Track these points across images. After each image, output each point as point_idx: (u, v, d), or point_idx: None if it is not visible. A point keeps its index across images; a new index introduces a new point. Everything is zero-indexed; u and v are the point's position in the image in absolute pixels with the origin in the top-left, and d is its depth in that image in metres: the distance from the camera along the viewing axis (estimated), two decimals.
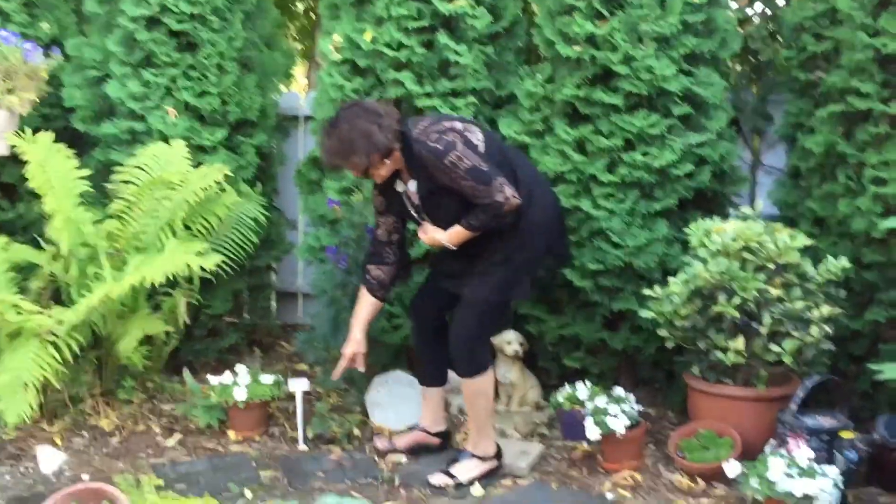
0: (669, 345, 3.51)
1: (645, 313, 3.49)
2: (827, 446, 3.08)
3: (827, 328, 3.28)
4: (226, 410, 3.76)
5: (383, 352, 4.08)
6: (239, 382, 3.73)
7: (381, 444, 3.61)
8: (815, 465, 2.87)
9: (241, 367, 3.84)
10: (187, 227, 4.00)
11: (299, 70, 8.92)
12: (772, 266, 3.33)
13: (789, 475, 2.83)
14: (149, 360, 3.94)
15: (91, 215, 3.85)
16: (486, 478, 3.34)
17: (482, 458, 3.36)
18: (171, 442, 3.69)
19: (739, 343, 3.31)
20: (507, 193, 3.09)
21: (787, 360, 3.28)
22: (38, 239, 3.93)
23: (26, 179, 3.75)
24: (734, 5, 4.19)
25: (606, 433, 3.35)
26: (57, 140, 3.91)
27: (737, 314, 3.30)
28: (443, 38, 3.88)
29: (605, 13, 3.68)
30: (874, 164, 3.45)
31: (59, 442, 3.62)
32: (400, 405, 3.88)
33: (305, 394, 3.75)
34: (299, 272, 5.18)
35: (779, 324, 3.31)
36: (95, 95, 4.36)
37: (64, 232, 3.70)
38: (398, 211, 3.39)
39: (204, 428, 3.76)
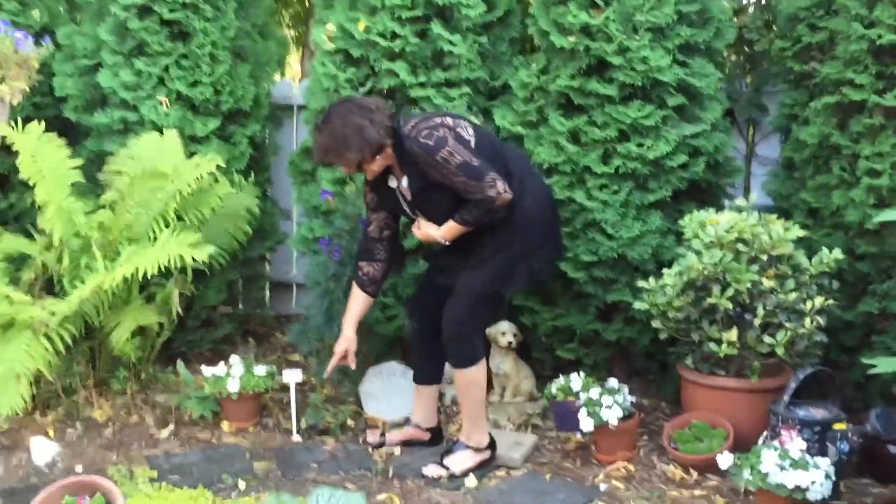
0: (663, 336, 3.51)
1: (639, 305, 3.50)
2: (819, 438, 3.09)
3: (820, 320, 3.29)
4: (219, 402, 3.76)
5: (377, 342, 4.08)
6: (232, 374, 3.73)
7: (372, 439, 3.61)
8: (808, 457, 2.88)
9: (234, 359, 3.84)
10: (180, 218, 3.98)
11: (293, 57, 8.88)
12: (765, 257, 3.33)
13: (781, 467, 2.83)
14: (142, 350, 3.93)
15: (83, 205, 3.83)
16: (480, 469, 3.35)
17: (476, 450, 3.37)
18: (165, 433, 3.68)
19: (732, 334, 3.32)
20: (498, 188, 3.09)
21: (780, 351, 3.28)
22: (31, 229, 3.91)
23: (18, 169, 3.73)
24: None
25: (600, 424, 3.36)
26: (48, 129, 3.87)
27: (730, 306, 3.30)
28: (437, 27, 3.87)
29: (600, 3, 3.66)
30: (868, 156, 3.45)
31: (52, 433, 3.61)
32: (394, 396, 3.89)
33: (299, 385, 3.75)
34: (293, 262, 5.17)
35: (772, 315, 3.31)
36: (87, 85, 4.33)
37: (56, 222, 3.68)
38: (390, 207, 3.39)
39: (197, 419, 3.76)
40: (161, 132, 4.09)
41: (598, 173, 3.71)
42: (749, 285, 3.29)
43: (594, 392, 3.43)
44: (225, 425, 3.74)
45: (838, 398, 3.30)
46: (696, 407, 3.46)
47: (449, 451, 3.38)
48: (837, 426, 3.10)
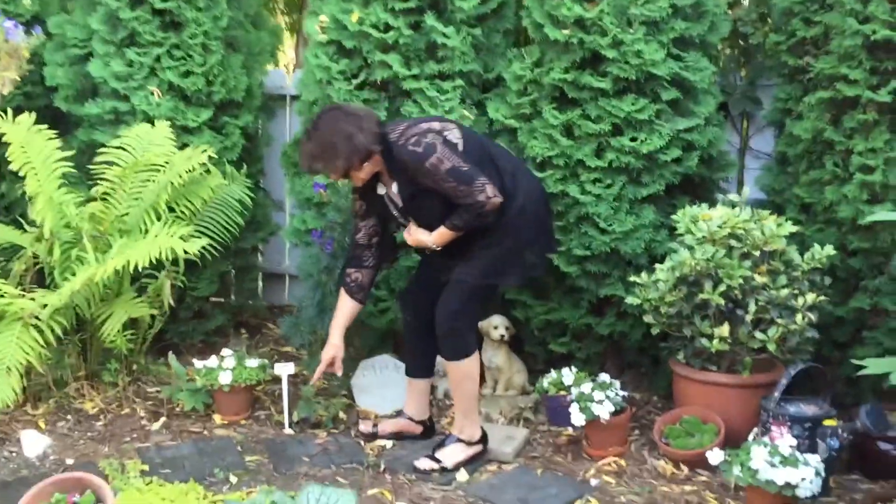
0: (655, 331, 3.52)
1: (631, 300, 3.50)
2: (809, 434, 3.10)
3: (811, 316, 3.29)
4: (211, 394, 3.76)
5: (369, 336, 4.08)
6: (224, 366, 3.72)
7: (364, 427, 3.61)
8: (798, 454, 2.89)
9: (226, 351, 3.83)
10: (171, 210, 3.97)
11: (288, 43, 8.83)
12: (757, 253, 3.34)
13: (771, 464, 2.84)
14: (133, 342, 3.92)
15: (74, 197, 3.82)
16: (472, 463, 3.35)
17: (468, 443, 3.37)
18: (156, 426, 3.68)
19: (724, 330, 3.32)
20: (488, 192, 3.10)
21: (772, 347, 3.29)
22: (21, 220, 3.89)
23: (8, 160, 3.71)
24: None
25: (591, 419, 3.36)
26: (39, 119, 3.86)
27: (722, 301, 3.31)
28: (430, 19, 3.84)
29: None
30: (861, 152, 3.45)
31: (43, 426, 3.61)
32: (386, 389, 3.89)
33: (291, 377, 3.75)
34: (286, 254, 5.16)
35: (764, 311, 3.31)
36: (78, 74, 4.29)
37: (46, 214, 3.66)
38: (379, 214, 3.40)
39: (189, 411, 3.75)
40: (152, 123, 4.07)
41: (592, 167, 3.70)
42: (741, 281, 3.29)
43: (586, 387, 3.43)
44: (217, 418, 3.74)
45: (829, 394, 3.31)
46: (687, 402, 3.47)
47: (441, 445, 3.39)
48: (828, 422, 3.11)
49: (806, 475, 2.81)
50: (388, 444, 3.54)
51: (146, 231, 3.78)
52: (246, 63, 4.46)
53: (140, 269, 3.61)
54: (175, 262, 3.89)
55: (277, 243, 5.02)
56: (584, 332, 3.90)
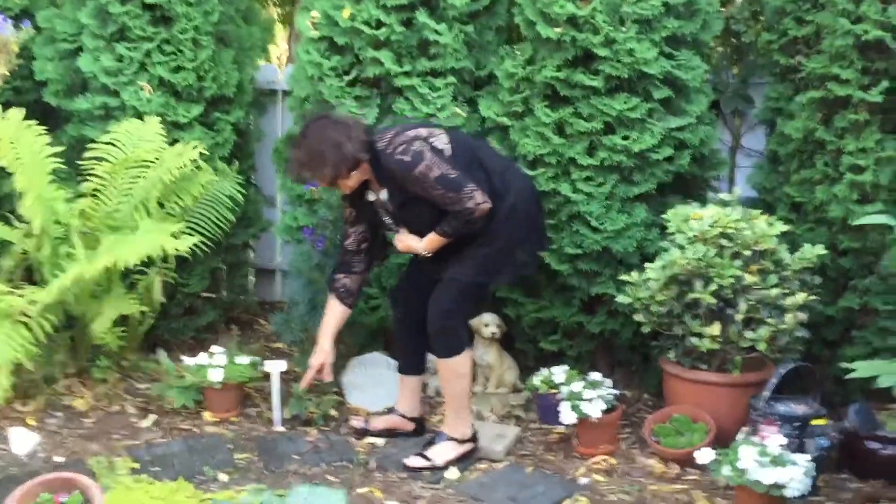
0: (646, 330, 3.52)
1: (622, 298, 3.50)
2: (799, 433, 3.11)
3: (801, 315, 3.30)
4: (202, 391, 3.74)
5: (360, 333, 4.08)
6: (215, 363, 3.71)
7: (356, 423, 3.62)
8: (787, 453, 2.90)
9: (217, 348, 3.83)
10: (161, 206, 3.95)
11: (280, 35, 8.78)
12: (748, 253, 3.34)
13: (760, 463, 2.85)
14: (124, 339, 3.91)
15: (63, 193, 3.80)
16: (462, 461, 3.35)
17: (459, 441, 3.37)
18: (146, 423, 3.67)
19: (715, 329, 3.33)
20: (476, 199, 3.11)
21: (762, 346, 3.30)
22: (10, 216, 3.87)
23: None
24: None
25: (581, 418, 3.37)
26: (29, 114, 3.83)
27: (713, 301, 3.31)
28: (422, 16, 3.83)
29: None
30: (852, 152, 3.45)
31: (32, 423, 3.59)
32: (377, 387, 3.89)
33: (282, 374, 3.74)
34: (277, 249, 5.14)
35: (754, 310, 3.32)
36: (68, 69, 4.26)
37: (36, 210, 3.64)
38: (369, 220, 3.41)
39: (179, 408, 3.74)
40: (143, 118, 4.05)
41: (584, 165, 3.70)
42: (732, 280, 3.30)
43: (576, 385, 3.44)
44: (207, 415, 3.73)
45: (819, 393, 3.32)
46: (678, 400, 3.48)
47: (431, 443, 3.39)
48: (817, 422, 3.13)
49: (794, 475, 2.82)
50: (379, 441, 3.54)
51: (136, 227, 3.76)
52: (237, 58, 4.43)
53: (131, 266, 3.60)
54: (165, 258, 3.88)
55: (269, 239, 5.00)
56: (575, 330, 3.90)
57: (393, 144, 3.17)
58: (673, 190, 3.83)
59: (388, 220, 3.36)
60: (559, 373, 3.65)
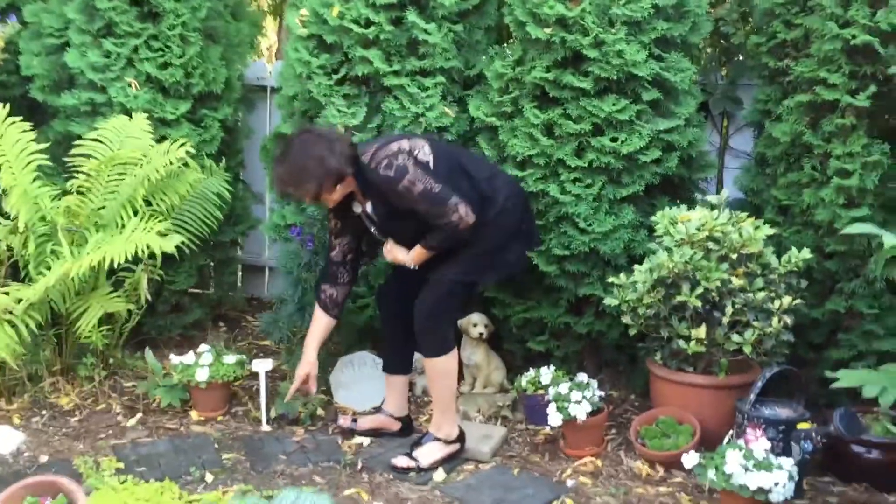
0: (632, 332, 3.53)
1: (609, 300, 3.51)
2: (783, 437, 3.12)
3: (787, 319, 3.32)
4: (188, 390, 3.74)
5: (348, 332, 4.07)
6: (201, 362, 3.70)
7: (343, 422, 3.62)
8: (771, 458, 2.91)
9: (203, 347, 3.82)
10: (148, 203, 3.93)
11: (271, 26, 8.73)
12: (735, 256, 3.35)
13: (745, 468, 2.86)
14: (110, 336, 3.89)
15: (49, 189, 3.78)
16: (449, 462, 3.36)
17: (445, 442, 3.38)
18: (132, 422, 3.66)
19: (701, 332, 3.34)
20: (461, 213, 3.13)
21: (747, 349, 3.31)
22: None
23: None
24: None
25: (568, 419, 3.37)
26: (15, 109, 3.81)
27: (699, 304, 3.32)
28: (411, 15, 3.82)
29: None
30: (839, 156, 3.46)
31: (17, 421, 3.58)
32: (364, 386, 3.89)
33: (269, 373, 3.73)
34: (265, 246, 5.13)
35: (740, 313, 3.33)
36: (54, 64, 4.24)
37: (21, 207, 3.62)
38: (354, 231, 3.42)
39: (166, 407, 3.73)
40: (130, 115, 4.02)
41: (572, 167, 3.69)
42: (718, 283, 3.31)
43: (563, 387, 3.44)
44: (193, 414, 3.73)
45: (803, 396, 3.34)
46: (664, 402, 3.49)
47: (418, 443, 3.39)
48: (802, 425, 3.14)
49: (779, 480, 2.83)
50: (366, 441, 3.55)
51: (123, 226, 3.74)
52: (225, 54, 4.42)
53: (116, 265, 3.58)
54: (152, 255, 3.86)
55: (257, 235, 4.99)
56: (562, 330, 3.91)
57: (376, 159, 3.17)
58: (661, 192, 3.83)
59: (374, 230, 3.38)
60: (546, 373, 3.66)
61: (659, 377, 3.52)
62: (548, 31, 3.64)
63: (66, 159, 3.92)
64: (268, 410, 3.68)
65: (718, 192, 3.88)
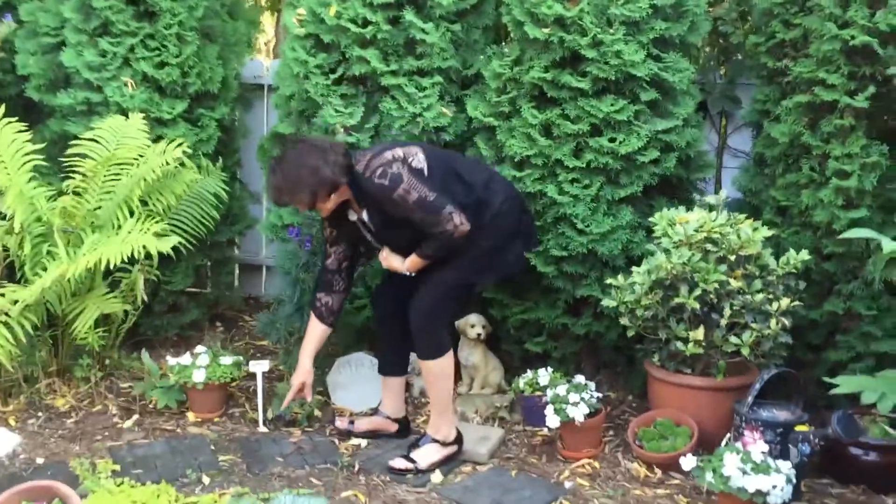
0: (630, 334, 3.52)
1: (607, 302, 3.50)
2: (781, 439, 3.12)
3: (785, 321, 3.31)
4: (185, 391, 3.72)
5: (345, 333, 4.06)
6: (198, 363, 3.69)
7: (340, 423, 3.61)
8: (770, 461, 2.90)
9: (200, 348, 3.80)
10: (145, 204, 3.92)
11: (268, 22, 8.71)
12: (733, 257, 3.34)
13: (743, 471, 2.86)
14: (106, 337, 3.88)
15: (45, 190, 3.76)
16: (446, 463, 3.35)
17: (443, 443, 3.37)
18: (129, 423, 3.64)
19: (699, 333, 3.33)
20: (455, 221, 3.12)
21: (745, 351, 3.30)
22: None
23: None
24: None
25: (566, 421, 3.37)
26: (10, 108, 3.80)
27: (697, 305, 3.31)
28: (409, 14, 3.80)
29: None
30: (838, 157, 3.45)
31: (13, 423, 3.57)
32: (361, 387, 3.88)
33: (266, 374, 3.72)
34: (263, 245, 5.12)
35: (738, 315, 3.32)
36: (50, 63, 4.22)
37: (17, 207, 3.60)
38: (349, 239, 3.43)
39: (162, 409, 3.72)
40: (126, 114, 4.01)
41: (570, 167, 3.68)
42: (716, 285, 3.30)
43: (561, 388, 3.44)
44: (190, 415, 3.71)
45: (801, 399, 3.33)
46: (662, 404, 3.48)
47: (415, 445, 3.39)
48: (800, 428, 3.13)
49: (777, 482, 2.83)
50: (363, 443, 3.54)
51: (119, 226, 3.73)
52: (222, 54, 4.40)
53: (113, 265, 3.57)
54: (149, 255, 3.84)
55: (254, 234, 4.97)
56: (560, 331, 3.90)
57: (371, 167, 3.17)
58: (659, 192, 3.82)
59: (371, 238, 3.38)
60: (544, 375, 3.65)
61: (657, 379, 3.51)
62: (546, 30, 3.63)
63: (63, 159, 3.91)
64: (265, 412, 3.67)
65: (717, 191, 3.88)
